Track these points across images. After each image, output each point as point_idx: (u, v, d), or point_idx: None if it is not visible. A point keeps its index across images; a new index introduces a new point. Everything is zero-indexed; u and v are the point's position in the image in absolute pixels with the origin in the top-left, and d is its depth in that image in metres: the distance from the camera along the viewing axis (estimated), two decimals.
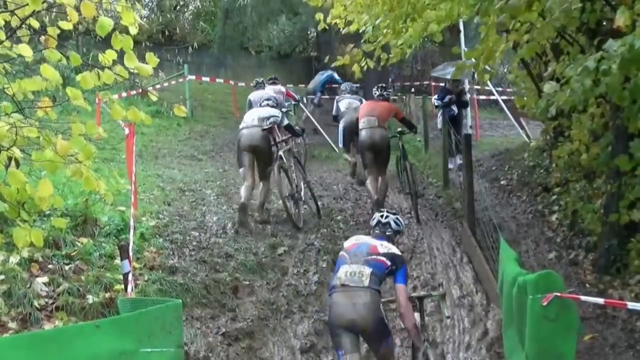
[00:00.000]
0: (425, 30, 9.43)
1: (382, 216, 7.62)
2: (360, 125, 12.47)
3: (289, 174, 11.91)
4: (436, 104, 16.69)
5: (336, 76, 23.52)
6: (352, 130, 13.56)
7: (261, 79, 17.68)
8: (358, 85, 21.02)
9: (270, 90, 15.95)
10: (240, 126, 12.07)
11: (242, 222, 11.13)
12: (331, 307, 6.95)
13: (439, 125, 16.50)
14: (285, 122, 12.29)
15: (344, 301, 6.77)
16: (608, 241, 9.82)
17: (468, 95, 19.29)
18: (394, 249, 7.16)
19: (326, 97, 24.16)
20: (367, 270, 6.84)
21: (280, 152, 11.78)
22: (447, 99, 16.24)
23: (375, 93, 13.26)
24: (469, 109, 19.08)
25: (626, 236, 9.51)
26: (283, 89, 17.74)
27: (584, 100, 7.46)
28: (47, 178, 6.09)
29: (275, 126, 11.91)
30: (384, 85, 13.86)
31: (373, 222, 7.65)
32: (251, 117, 12.00)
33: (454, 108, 16.29)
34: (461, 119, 16.95)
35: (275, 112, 12.10)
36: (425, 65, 32.06)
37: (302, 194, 12.20)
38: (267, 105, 12.39)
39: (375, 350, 6.93)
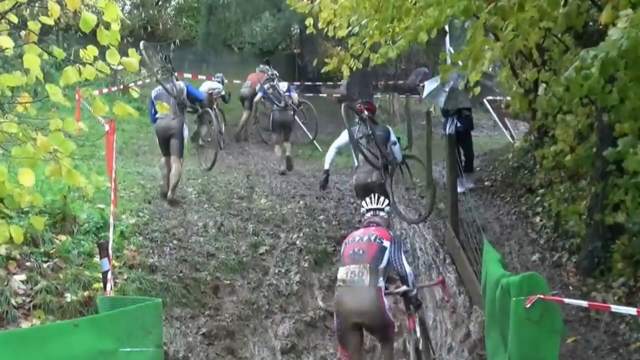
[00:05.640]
0: (415, 39, 9.38)
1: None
2: None
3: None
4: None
5: None
6: None
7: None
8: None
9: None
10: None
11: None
12: None
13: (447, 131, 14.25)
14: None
15: None
16: (592, 243, 9.80)
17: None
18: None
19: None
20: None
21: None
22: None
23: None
24: None
25: (610, 238, 9.49)
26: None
27: (567, 102, 7.44)
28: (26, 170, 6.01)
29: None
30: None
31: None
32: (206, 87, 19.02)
33: (459, 122, 14.26)
34: (469, 136, 14.80)
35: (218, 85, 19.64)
36: (409, 64, 32.02)
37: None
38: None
39: None
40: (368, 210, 8.04)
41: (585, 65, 5.94)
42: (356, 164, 11.64)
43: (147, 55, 12.30)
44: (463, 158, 14.09)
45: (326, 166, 11.63)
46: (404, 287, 7.41)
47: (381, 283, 7.12)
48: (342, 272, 7.38)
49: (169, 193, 11.91)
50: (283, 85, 17.22)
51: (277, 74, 17.53)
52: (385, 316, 7.07)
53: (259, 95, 17.84)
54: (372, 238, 7.42)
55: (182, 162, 12.35)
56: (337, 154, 11.87)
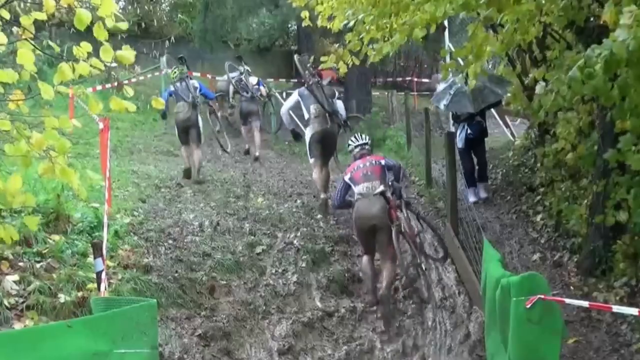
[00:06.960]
0: (410, 35, 9.28)
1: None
2: None
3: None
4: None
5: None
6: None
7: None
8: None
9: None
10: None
11: None
12: None
13: (459, 145, 13.45)
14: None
15: None
16: (593, 243, 9.69)
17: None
18: None
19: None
20: None
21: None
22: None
23: None
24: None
25: (612, 238, 9.38)
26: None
27: (570, 100, 7.34)
28: (17, 173, 5.95)
29: None
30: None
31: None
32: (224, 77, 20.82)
33: (470, 129, 13.52)
34: (482, 143, 14.07)
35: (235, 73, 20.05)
36: (408, 61, 31.99)
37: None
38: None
39: None
40: (357, 146, 10.62)
41: (589, 64, 5.85)
42: (307, 116, 13.04)
43: (169, 66, 15.40)
44: (476, 167, 13.78)
45: (289, 127, 13.94)
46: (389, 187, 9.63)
47: (389, 193, 9.45)
48: (359, 188, 9.75)
49: (195, 174, 14.24)
50: (253, 79, 19.56)
51: (249, 70, 19.93)
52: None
53: (231, 88, 19.98)
54: (373, 162, 10.00)
55: (200, 147, 14.95)
56: (291, 114, 13.71)
